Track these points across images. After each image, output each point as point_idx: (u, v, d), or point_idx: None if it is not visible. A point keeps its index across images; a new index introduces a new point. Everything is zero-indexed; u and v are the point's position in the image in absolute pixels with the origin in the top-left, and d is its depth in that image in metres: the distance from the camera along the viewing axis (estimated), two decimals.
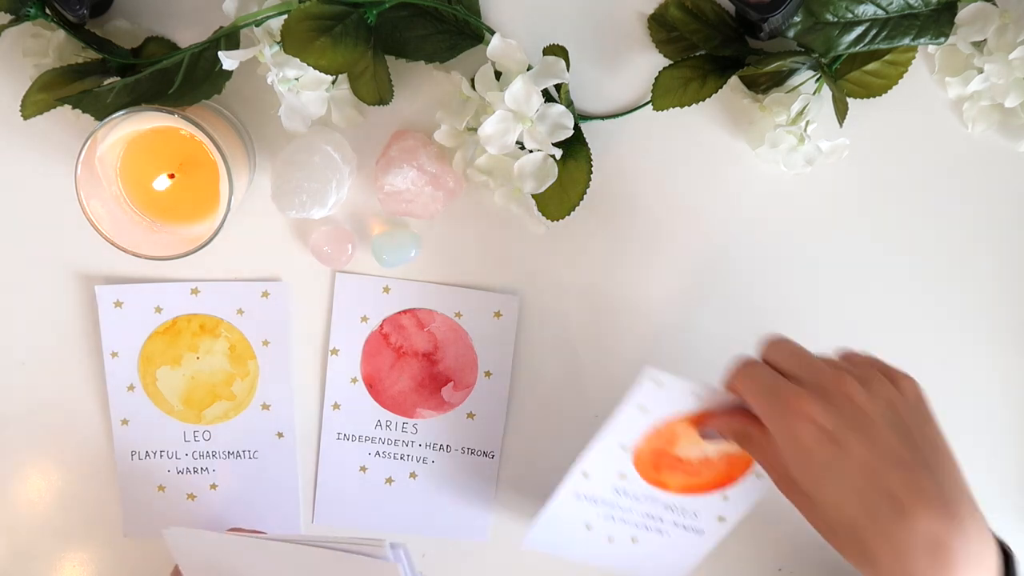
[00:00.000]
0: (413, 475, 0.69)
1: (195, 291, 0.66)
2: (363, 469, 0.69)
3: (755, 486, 0.62)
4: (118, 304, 0.66)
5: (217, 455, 0.68)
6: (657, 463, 0.62)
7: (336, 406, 0.68)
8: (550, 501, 0.63)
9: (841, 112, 0.57)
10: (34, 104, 0.58)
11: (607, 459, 0.61)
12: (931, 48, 0.62)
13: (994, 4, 0.58)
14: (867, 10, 0.57)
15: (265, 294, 0.66)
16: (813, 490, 0.50)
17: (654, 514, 0.64)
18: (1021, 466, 0.69)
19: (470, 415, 0.68)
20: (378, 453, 0.69)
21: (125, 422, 0.68)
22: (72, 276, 0.66)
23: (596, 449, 0.60)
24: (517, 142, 0.57)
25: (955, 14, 0.58)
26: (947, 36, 0.58)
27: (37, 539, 0.69)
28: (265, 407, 0.68)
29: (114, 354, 0.66)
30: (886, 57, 0.60)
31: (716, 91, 0.60)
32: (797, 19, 0.57)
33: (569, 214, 0.60)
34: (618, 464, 0.61)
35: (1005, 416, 0.68)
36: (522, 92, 0.56)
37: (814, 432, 0.50)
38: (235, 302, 0.66)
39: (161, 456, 0.68)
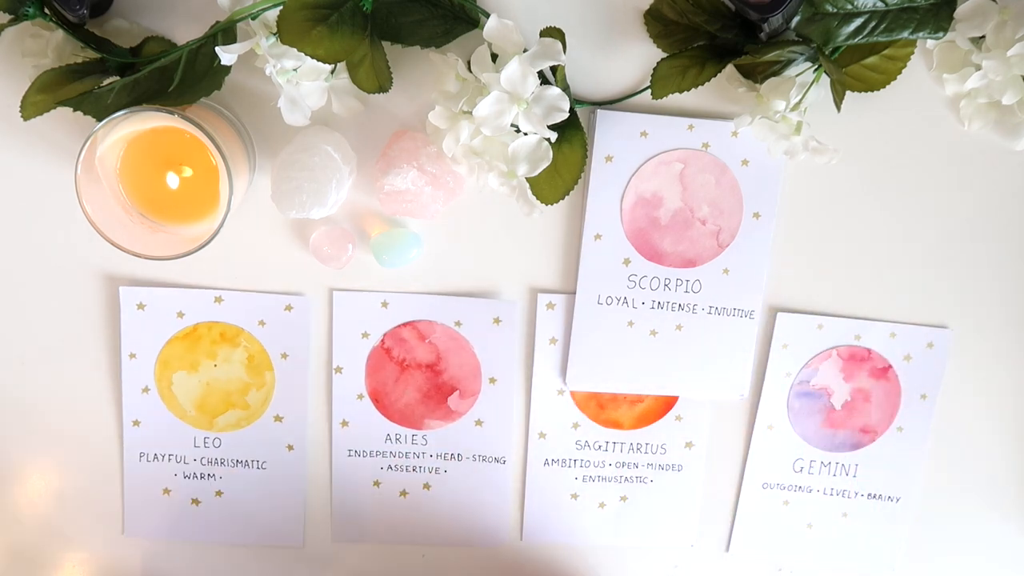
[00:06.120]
0: (427, 486, 0.69)
1: (219, 299, 0.66)
2: (376, 484, 0.69)
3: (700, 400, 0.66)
4: (141, 306, 0.66)
5: (226, 462, 0.68)
6: (598, 398, 0.66)
7: (344, 423, 0.68)
8: (526, 478, 0.68)
9: (839, 94, 0.56)
10: (33, 105, 0.58)
11: (553, 409, 0.66)
12: (929, 44, 0.62)
13: (994, 0, 0.58)
14: (867, 2, 0.57)
15: (288, 308, 0.66)
16: None
17: (627, 462, 0.67)
18: (1019, 467, 0.69)
19: (478, 422, 0.68)
20: (390, 467, 0.69)
21: (136, 423, 0.67)
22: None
23: (537, 399, 0.66)
24: (512, 124, 0.57)
25: (954, 9, 0.58)
26: (946, 31, 0.58)
27: (37, 539, 0.69)
28: (278, 419, 0.67)
29: (132, 355, 0.66)
30: (885, 52, 0.60)
31: (715, 75, 0.59)
32: (797, 17, 0.57)
33: (563, 198, 0.60)
34: (565, 412, 0.66)
35: (1002, 414, 0.68)
36: (518, 73, 0.55)
37: None
38: (258, 313, 0.66)
39: (169, 459, 0.68)
